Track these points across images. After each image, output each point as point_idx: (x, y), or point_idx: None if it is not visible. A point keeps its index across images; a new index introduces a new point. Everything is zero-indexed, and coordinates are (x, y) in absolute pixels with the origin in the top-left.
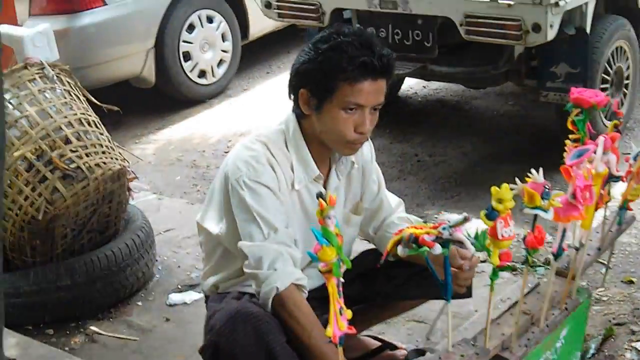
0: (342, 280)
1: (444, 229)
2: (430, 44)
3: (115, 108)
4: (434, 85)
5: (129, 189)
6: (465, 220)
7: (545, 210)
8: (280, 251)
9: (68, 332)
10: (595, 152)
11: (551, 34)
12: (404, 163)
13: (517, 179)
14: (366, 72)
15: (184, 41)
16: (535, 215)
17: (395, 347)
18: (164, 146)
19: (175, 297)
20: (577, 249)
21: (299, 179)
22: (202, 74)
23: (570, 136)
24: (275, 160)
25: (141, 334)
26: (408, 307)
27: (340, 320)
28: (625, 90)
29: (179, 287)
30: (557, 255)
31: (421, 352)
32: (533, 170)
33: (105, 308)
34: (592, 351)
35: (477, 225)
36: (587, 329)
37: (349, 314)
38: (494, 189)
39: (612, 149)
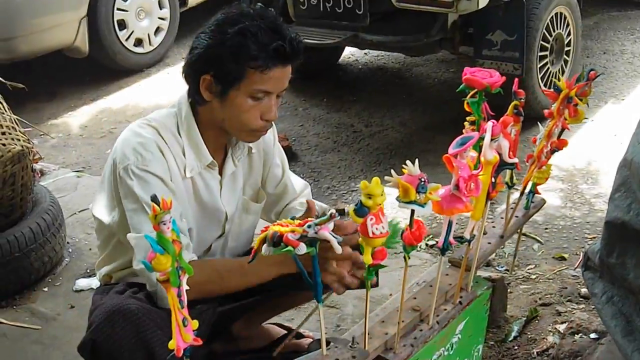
0: (186, 287)
1: (309, 227)
2: (361, 11)
3: (20, 85)
4: (376, 52)
5: (34, 171)
6: (331, 217)
7: (421, 205)
8: None
9: None
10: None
11: (483, 2)
12: (339, 134)
13: (392, 171)
14: (277, 58)
15: (119, 9)
16: (413, 210)
17: (301, 335)
18: (96, 118)
19: (81, 283)
20: (468, 242)
21: (191, 166)
22: (139, 42)
23: (468, 118)
24: (167, 146)
25: (44, 323)
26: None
27: (184, 332)
28: (566, 57)
29: (88, 271)
30: (444, 250)
31: (326, 342)
32: (408, 162)
33: (9, 295)
34: (514, 334)
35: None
36: (512, 309)
37: (194, 324)
38: (363, 183)
39: (504, 134)
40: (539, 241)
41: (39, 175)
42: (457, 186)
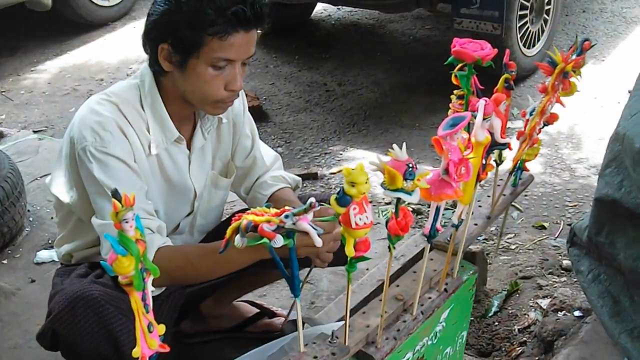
0: (152, 290)
1: (286, 217)
2: None
3: None
4: (349, 7)
5: None
6: (311, 207)
7: (408, 193)
8: None
9: None
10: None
11: None
12: (311, 93)
13: (377, 155)
14: (238, 23)
15: None
16: (398, 199)
17: (274, 314)
18: (60, 74)
19: (42, 255)
20: (456, 227)
21: (156, 143)
22: None
23: (455, 92)
24: (129, 122)
25: (3, 298)
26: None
27: (149, 338)
28: (546, 16)
29: (49, 241)
30: (430, 237)
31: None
32: (395, 146)
33: None
34: (494, 309)
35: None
36: (492, 282)
37: (160, 329)
38: (345, 169)
39: (497, 113)
40: (518, 209)
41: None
42: (447, 170)
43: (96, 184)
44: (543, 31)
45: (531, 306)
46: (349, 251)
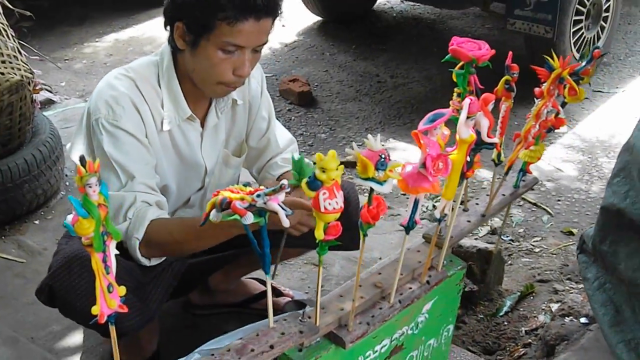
0: (116, 251)
1: (258, 196)
2: None
3: (28, 13)
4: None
5: (33, 101)
6: (281, 188)
7: (380, 183)
8: (134, 199)
9: None
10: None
11: None
12: (363, 83)
13: (353, 143)
14: (247, 11)
15: None
16: (371, 188)
17: (280, 293)
18: (123, 47)
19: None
20: (438, 221)
21: (169, 119)
22: None
23: (456, 89)
24: (144, 98)
25: (29, 256)
26: (296, 254)
27: (109, 298)
28: (603, 23)
29: None
30: (408, 228)
31: (301, 304)
32: (370, 136)
33: None
34: (505, 309)
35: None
36: (509, 282)
37: (121, 290)
38: (318, 155)
39: (485, 112)
40: (549, 213)
41: (39, 105)
42: (424, 165)
43: (104, 156)
44: (599, 38)
45: (543, 309)
46: (319, 234)
